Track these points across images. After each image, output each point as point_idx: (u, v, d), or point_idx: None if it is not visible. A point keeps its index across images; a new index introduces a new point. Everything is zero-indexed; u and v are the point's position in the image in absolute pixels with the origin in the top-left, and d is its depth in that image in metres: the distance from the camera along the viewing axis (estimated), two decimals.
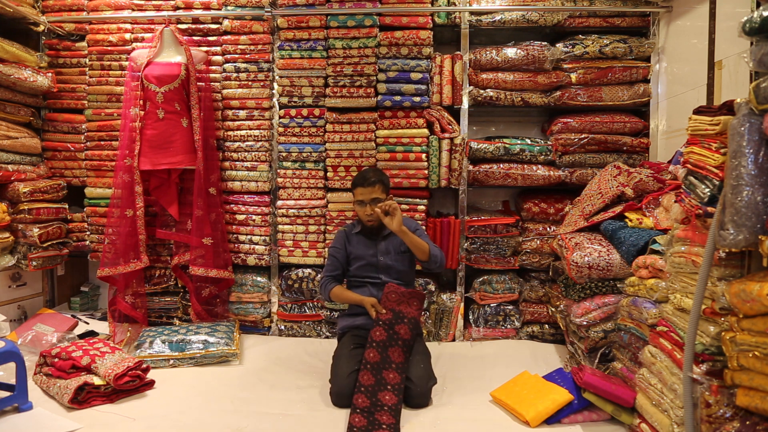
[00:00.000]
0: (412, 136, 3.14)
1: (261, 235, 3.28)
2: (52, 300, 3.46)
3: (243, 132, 3.26)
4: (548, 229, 3.16)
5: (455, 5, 3.16)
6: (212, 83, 3.25)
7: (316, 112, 3.21)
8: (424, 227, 3.11)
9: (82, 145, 3.35)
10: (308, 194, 3.25)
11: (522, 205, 3.24)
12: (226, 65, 3.26)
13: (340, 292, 2.63)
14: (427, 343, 2.68)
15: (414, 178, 3.16)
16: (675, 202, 2.00)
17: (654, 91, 3.14)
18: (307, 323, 3.26)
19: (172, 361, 2.70)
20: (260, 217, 3.28)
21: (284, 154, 3.25)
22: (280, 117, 3.25)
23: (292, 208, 3.24)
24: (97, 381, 2.25)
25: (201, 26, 3.27)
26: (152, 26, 3.26)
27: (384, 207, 2.48)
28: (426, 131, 3.15)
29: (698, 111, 1.79)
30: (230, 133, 3.28)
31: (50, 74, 3.19)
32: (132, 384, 2.31)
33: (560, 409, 2.09)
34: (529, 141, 3.17)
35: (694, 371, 1.55)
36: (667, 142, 3.05)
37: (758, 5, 1.55)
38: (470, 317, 3.18)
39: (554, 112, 3.31)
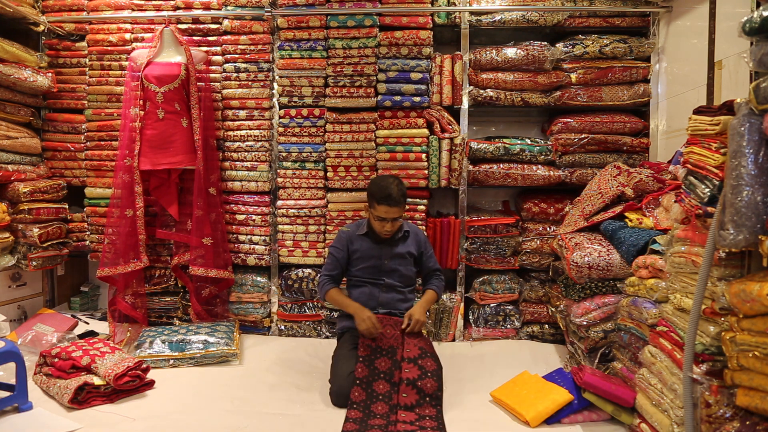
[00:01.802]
0: (412, 136, 3.14)
1: (261, 235, 3.28)
2: (52, 300, 3.46)
3: (243, 132, 3.26)
4: (548, 229, 3.16)
5: (455, 5, 3.16)
6: (212, 83, 3.24)
7: (316, 112, 3.20)
8: (424, 228, 3.12)
9: (82, 145, 3.35)
10: (308, 194, 3.25)
11: (522, 205, 3.23)
12: (226, 65, 3.26)
13: (336, 296, 2.60)
14: None
15: (414, 178, 3.16)
16: (675, 202, 2.00)
17: (654, 91, 3.13)
18: (307, 323, 3.26)
19: (172, 361, 2.70)
20: (260, 217, 3.27)
21: (284, 154, 3.25)
22: (280, 117, 3.25)
23: (292, 208, 3.24)
24: (97, 381, 2.25)
25: (201, 26, 3.27)
26: (152, 26, 3.25)
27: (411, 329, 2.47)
28: (426, 131, 3.14)
29: (698, 111, 1.79)
30: (230, 133, 3.28)
31: (50, 74, 3.18)
32: (132, 384, 2.30)
33: (560, 409, 2.09)
34: (529, 141, 3.17)
35: (694, 371, 1.55)
36: (667, 142, 3.04)
37: (758, 5, 1.55)
38: (470, 317, 3.18)
39: (554, 112, 3.31)
